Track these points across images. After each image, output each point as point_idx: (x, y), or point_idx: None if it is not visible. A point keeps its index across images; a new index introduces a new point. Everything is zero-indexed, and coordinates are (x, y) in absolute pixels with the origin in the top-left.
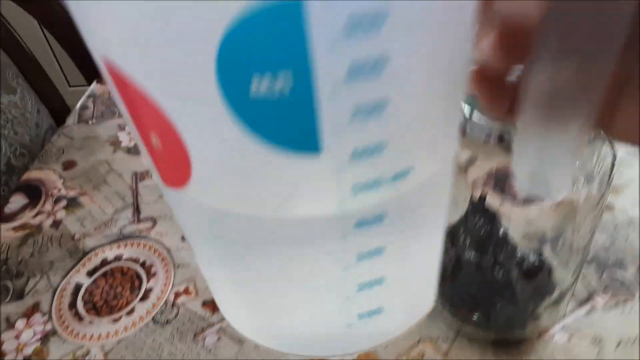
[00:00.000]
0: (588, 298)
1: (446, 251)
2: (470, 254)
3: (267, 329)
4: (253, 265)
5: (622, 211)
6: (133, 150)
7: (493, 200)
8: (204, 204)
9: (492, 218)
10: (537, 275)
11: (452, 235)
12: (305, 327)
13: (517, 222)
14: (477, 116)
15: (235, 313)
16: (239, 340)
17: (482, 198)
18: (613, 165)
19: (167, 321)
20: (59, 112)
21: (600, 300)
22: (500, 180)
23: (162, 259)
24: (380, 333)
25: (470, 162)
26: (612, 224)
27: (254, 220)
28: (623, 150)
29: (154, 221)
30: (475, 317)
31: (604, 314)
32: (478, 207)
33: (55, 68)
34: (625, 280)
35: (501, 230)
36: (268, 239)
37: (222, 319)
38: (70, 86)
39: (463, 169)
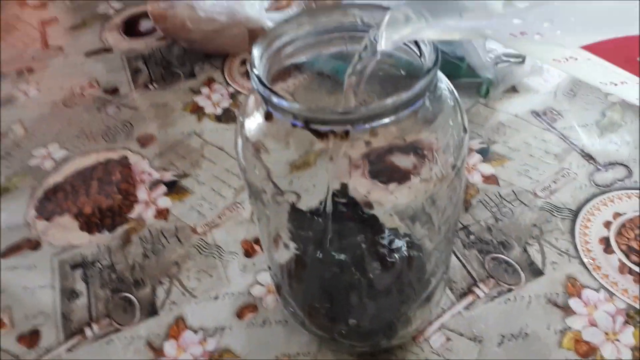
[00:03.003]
0: (468, 290)
1: (299, 250)
2: (323, 252)
3: None
4: None
5: (507, 183)
6: None
7: (363, 186)
8: None
9: (352, 209)
10: (398, 267)
11: (306, 233)
12: None
13: (387, 208)
14: None
15: None
16: None
17: (343, 187)
18: (465, 131)
19: None
20: None
21: (481, 291)
22: (374, 164)
23: None
24: None
25: (335, 150)
26: (495, 199)
27: None
28: (509, 113)
29: None
30: (337, 326)
31: (486, 307)
32: (338, 197)
33: None
34: (510, 263)
35: (357, 225)
36: None
37: (40, 356)
38: None
39: (329, 156)
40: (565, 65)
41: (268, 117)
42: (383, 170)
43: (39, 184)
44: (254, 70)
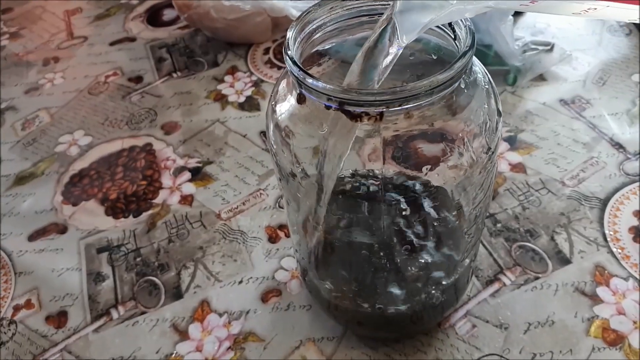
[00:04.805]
0: (494, 277)
1: (327, 233)
2: (350, 235)
3: None
4: None
5: (535, 172)
6: None
7: (389, 170)
8: None
9: (381, 193)
10: (426, 252)
11: (335, 216)
12: None
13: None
14: None
15: None
16: None
17: (371, 171)
18: (499, 114)
19: (0, 343)
20: None
21: (507, 279)
22: (404, 150)
23: (2, 267)
24: None
25: (369, 134)
26: (523, 188)
27: None
28: (537, 102)
29: None
30: (362, 311)
31: (512, 295)
32: (361, 182)
33: None
34: (537, 251)
35: (387, 208)
36: None
37: (68, 336)
38: None
39: (361, 141)
40: (587, 14)
41: (301, 100)
42: (412, 155)
43: (65, 170)
44: (288, 52)
